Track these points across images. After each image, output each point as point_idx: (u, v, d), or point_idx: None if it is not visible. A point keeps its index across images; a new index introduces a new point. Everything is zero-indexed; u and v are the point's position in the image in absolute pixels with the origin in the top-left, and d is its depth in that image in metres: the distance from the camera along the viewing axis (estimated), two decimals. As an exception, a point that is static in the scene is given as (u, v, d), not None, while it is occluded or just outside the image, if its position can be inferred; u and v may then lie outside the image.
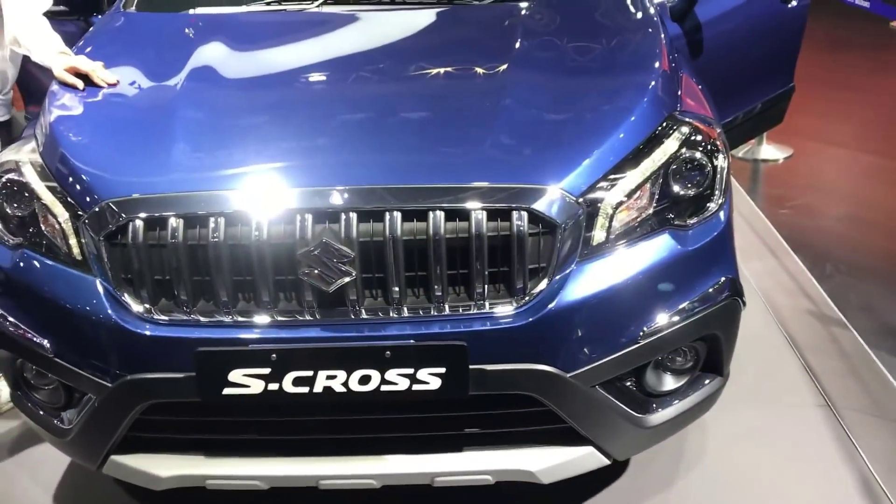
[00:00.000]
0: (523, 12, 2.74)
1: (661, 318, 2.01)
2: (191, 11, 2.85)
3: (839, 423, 2.64)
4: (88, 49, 2.59)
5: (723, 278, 2.12)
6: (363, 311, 1.90)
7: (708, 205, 2.11)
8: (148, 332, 1.90)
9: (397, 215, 1.86)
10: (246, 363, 1.87)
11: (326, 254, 1.84)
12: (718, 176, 2.12)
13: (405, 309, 1.91)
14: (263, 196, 1.91)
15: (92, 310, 1.94)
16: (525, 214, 1.89)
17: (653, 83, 2.30)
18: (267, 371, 1.86)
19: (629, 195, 2.01)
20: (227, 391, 1.88)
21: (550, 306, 1.92)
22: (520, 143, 2.09)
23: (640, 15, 2.77)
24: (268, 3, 2.83)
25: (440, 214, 1.86)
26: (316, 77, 2.48)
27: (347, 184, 1.91)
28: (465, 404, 1.98)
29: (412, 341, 1.88)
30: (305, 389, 1.88)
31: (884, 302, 3.43)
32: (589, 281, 1.96)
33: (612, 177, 2.01)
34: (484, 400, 1.97)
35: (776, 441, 2.58)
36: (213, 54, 2.48)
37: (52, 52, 2.51)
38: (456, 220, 1.88)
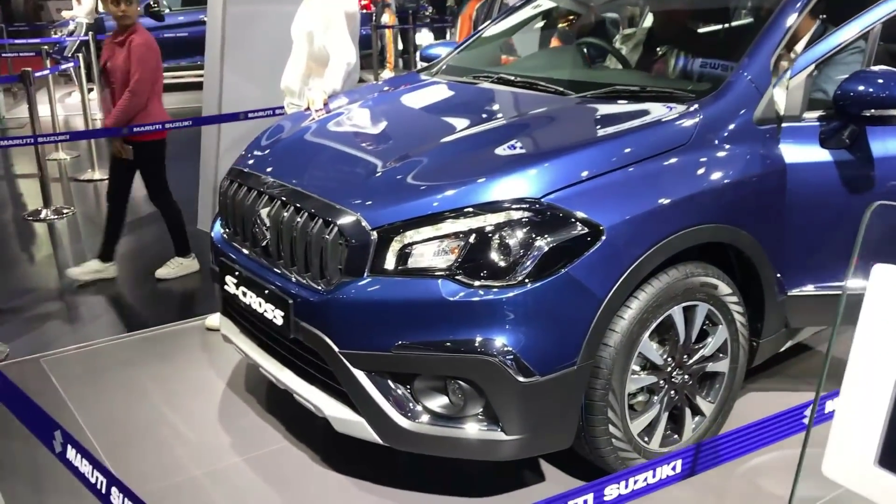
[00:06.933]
0: (584, 105, 3.04)
1: (415, 342, 2.40)
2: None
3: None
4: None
5: (490, 339, 2.34)
6: (264, 260, 2.80)
7: (506, 276, 2.35)
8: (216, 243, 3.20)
9: (284, 206, 2.73)
10: (229, 273, 3.00)
11: (259, 221, 2.82)
12: (533, 261, 2.34)
13: (280, 268, 2.74)
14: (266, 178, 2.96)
15: None
16: (335, 228, 2.52)
17: (527, 167, 2.51)
18: (235, 280, 2.97)
19: (424, 242, 2.41)
20: (225, 287, 3.04)
21: (334, 296, 2.50)
22: (381, 183, 2.62)
23: (633, 124, 2.75)
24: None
25: (304, 214, 2.65)
26: (384, 122, 3.38)
27: (289, 182, 2.81)
28: (297, 344, 2.66)
29: (274, 288, 2.70)
30: (245, 300, 2.88)
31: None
32: (367, 290, 2.45)
33: (417, 224, 2.44)
34: (305, 346, 2.62)
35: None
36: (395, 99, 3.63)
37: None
38: (312, 219, 2.61)
